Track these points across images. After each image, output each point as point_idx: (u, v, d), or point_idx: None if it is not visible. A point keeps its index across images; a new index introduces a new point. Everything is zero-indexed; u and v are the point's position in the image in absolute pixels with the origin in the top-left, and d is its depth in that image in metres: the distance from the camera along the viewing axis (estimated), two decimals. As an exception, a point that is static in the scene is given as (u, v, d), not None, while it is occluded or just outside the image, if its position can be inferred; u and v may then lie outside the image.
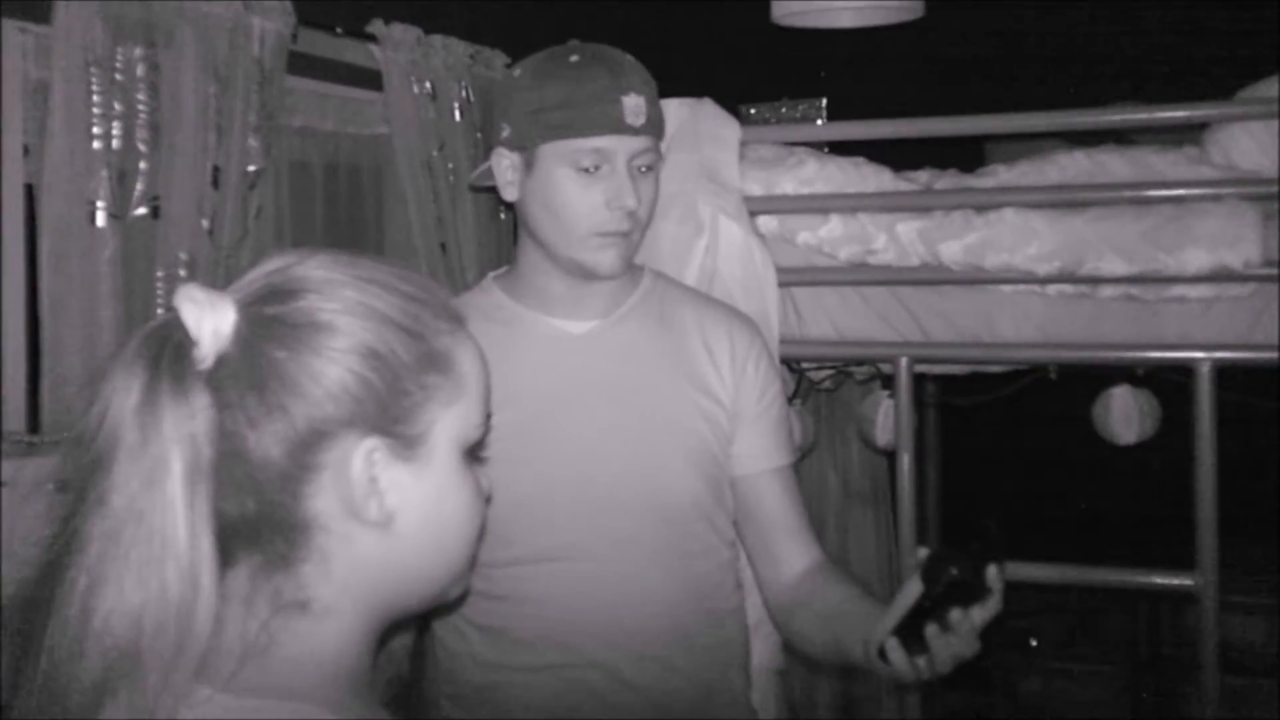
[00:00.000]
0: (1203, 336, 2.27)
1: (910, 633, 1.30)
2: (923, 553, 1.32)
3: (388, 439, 0.83)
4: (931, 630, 1.28)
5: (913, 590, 1.31)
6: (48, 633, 0.77)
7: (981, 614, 1.29)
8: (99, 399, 0.79)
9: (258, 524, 0.82)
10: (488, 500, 0.95)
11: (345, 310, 0.83)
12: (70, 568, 0.77)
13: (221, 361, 0.80)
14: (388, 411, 0.83)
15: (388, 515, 0.84)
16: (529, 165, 1.54)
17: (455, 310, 0.91)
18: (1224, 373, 2.27)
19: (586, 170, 1.51)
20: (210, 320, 0.80)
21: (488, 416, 0.93)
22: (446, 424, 0.87)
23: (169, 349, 0.79)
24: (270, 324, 0.82)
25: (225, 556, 0.81)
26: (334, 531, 0.83)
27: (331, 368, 0.81)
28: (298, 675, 0.83)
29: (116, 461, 0.77)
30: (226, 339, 0.80)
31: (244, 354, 0.80)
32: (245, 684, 0.80)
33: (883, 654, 1.32)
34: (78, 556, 0.77)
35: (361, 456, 0.82)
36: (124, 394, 0.78)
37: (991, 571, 1.28)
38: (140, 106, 2.04)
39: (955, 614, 1.28)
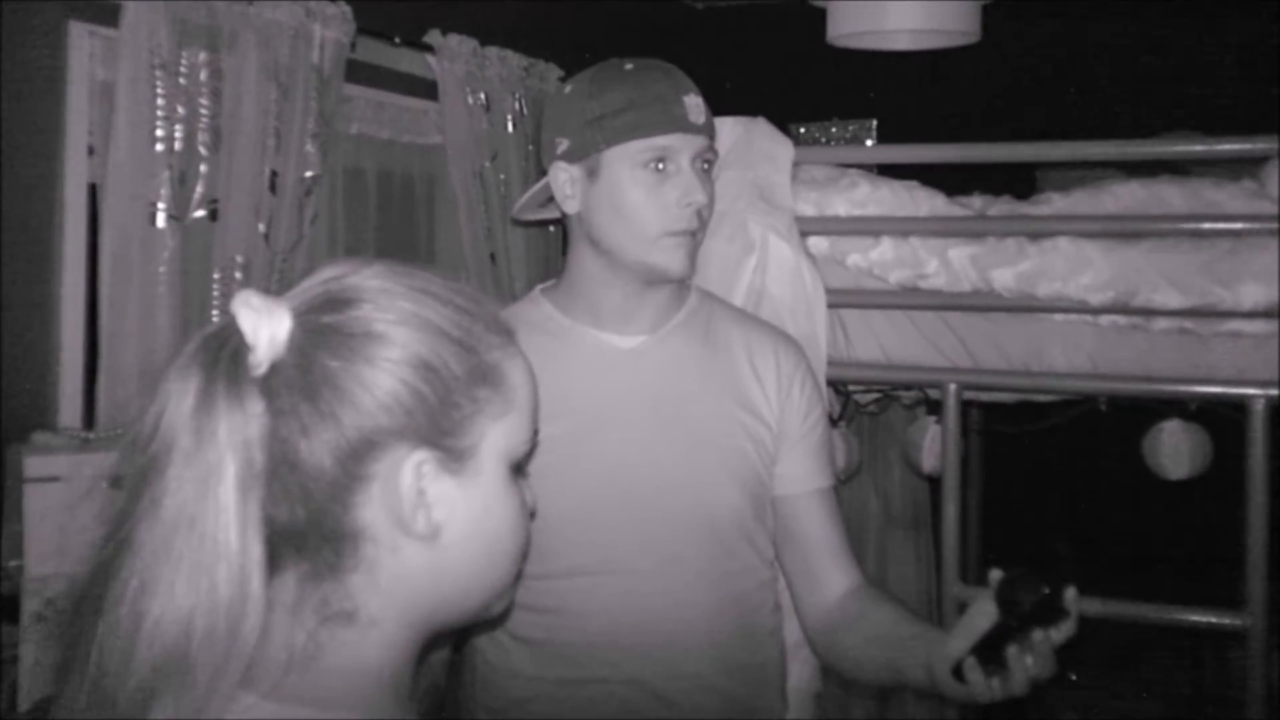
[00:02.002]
0: (1257, 372, 2.24)
1: (987, 653, 1.29)
2: (996, 574, 1.32)
3: (437, 451, 0.83)
4: (1013, 651, 1.28)
5: (985, 610, 1.31)
6: (98, 633, 0.77)
7: (1059, 635, 1.29)
8: (155, 401, 0.79)
9: (307, 532, 0.82)
10: (532, 515, 0.94)
11: (399, 321, 0.83)
12: (122, 569, 0.77)
13: (276, 368, 0.80)
14: (438, 424, 0.83)
15: (435, 528, 0.84)
16: (592, 174, 1.54)
17: (506, 324, 0.91)
18: (1278, 410, 2.23)
19: (654, 170, 1.52)
20: (267, 327, 0.80)
21: (535, 432, 0.92)
22: (495, 438, 0.87)
23: (226, 354, 0.79)
24: (325, 333, 0.81)
25: (273, 563, 0.81)
26: (382, 542, 0.83)
27: (384, 378, 0.81)
28: (341, 685, 0.83)
29: (171, 465, 0.77)
30: (282, 346, 0.80)
31: (299, 362, 0.80)
32: (289, 692, 0.80)
33: (958, 674, 1.31)
34: (130, 558, 0.77)
35: (411, 468, 0.82)
36: (180, 397, 0.78)
37: (1070, 594, 1.28)
38: (202, 110, 2.07)
39: (1038, 634, 1.27)
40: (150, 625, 0.75)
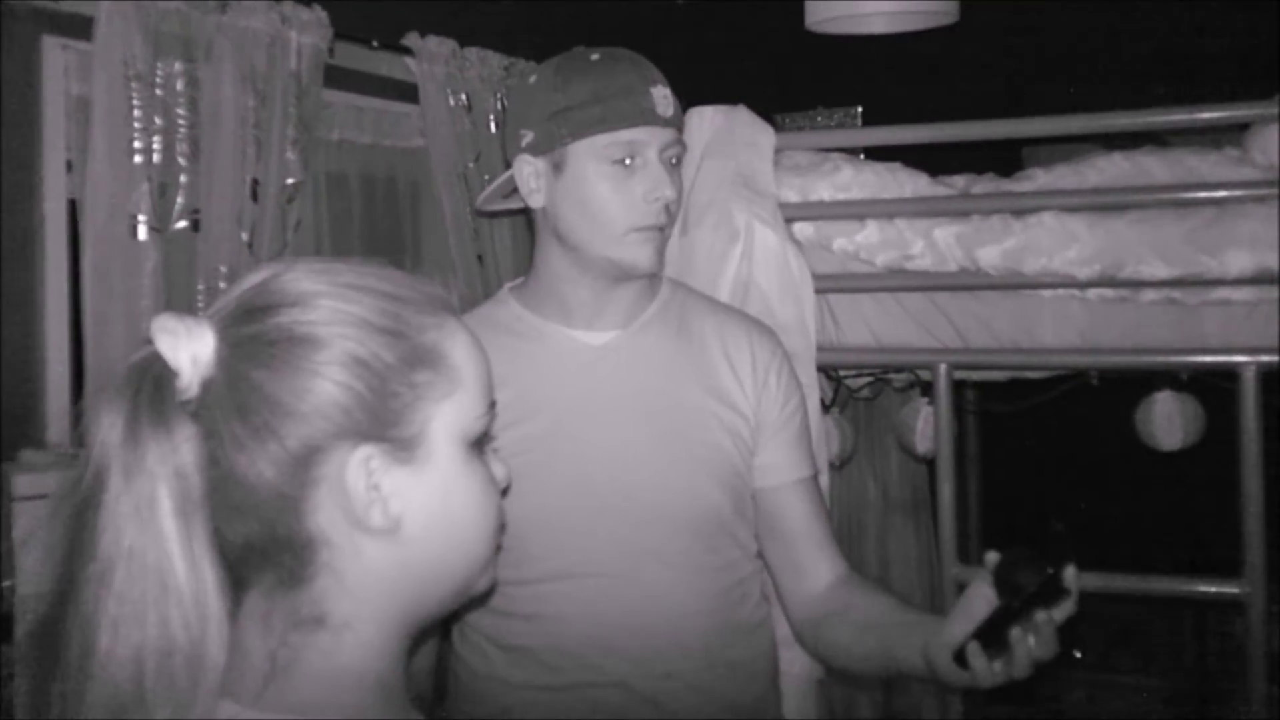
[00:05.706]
0: (1246, 340, 2.24)
1: (988, 636, 1.28)
2: (992, 556, 1.31)
3: (382, 444, 0.82)
4: (1016, 633, 1.26)
5: (982, 593, 1.30)
6: (55, 679, 0.76)
7: (1060, 615, 1.27)
8: (86, 439, 0.78)
9: (263, 546, 0.81)
10: (504, 491, 0.92)
11: (323, 321, 0.81)
12: (68, 612, 0.76)
13: (207, 387, 0.79)
14: (378, 417, 0.82)
15: (393, 521, 0.83)
16: (557, 168, 1.51)
17: (443, 302, 0.89)
18: (1269, 376, 2.23)
19: (621, 164, 1.48)
20: (187, 348, 0.79)
21: (491, 404, 0.90)
22: (443, 419, 0.85)
23: (148, 382, 0.78)
24: (249, 343, 0.80)
25: (238, 579, 0.81)
26: (341, 545, 0.82)
27: (315, 382, 0.80)
28: (323, 689, 0.82)
29: (103, 502, 0.76)
30: (208, 364, 0.79)
31: (226, 378, 0.79)
32: (271, 701, 0.79)
33: (959, 659, 1.30)
34: (74, 599, 0.76)
35: (357, 465, 0.81)
36: (108, 432, 0.77)
37: (1070, 573, 1.26)
38: (180, 120, 2.06)
39: (1040, 615, 1.26)
40: (98, 667, 0.74)
